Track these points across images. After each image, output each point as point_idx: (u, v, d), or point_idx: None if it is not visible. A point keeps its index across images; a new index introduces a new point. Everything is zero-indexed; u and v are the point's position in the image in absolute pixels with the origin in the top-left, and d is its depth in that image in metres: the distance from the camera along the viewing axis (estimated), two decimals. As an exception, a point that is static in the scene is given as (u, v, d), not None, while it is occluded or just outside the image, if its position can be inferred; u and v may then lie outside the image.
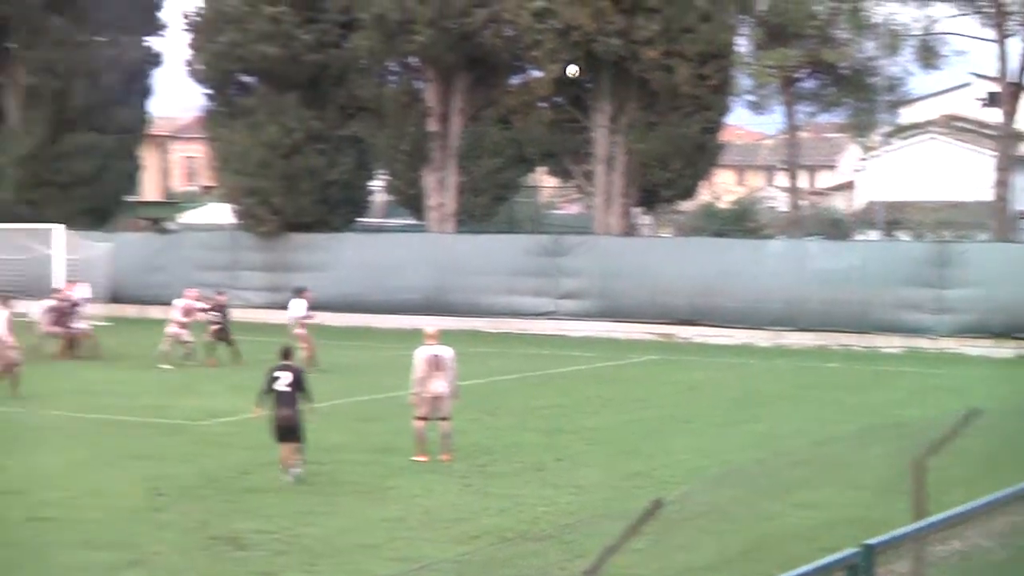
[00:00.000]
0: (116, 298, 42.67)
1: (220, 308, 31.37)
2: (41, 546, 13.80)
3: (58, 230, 41.35)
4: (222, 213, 50.88)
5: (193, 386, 26.84)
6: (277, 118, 42.18)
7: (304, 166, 42.08)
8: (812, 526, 14.22)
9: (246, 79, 43.87)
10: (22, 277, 41.16)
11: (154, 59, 48.39)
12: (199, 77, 43.56)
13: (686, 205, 53.07)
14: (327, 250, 42.65)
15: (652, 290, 38.71)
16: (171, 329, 30.80)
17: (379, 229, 50.62)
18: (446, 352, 18.88)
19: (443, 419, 18.82)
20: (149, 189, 67.19)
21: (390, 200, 48.90)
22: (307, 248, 42.80)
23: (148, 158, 56.12)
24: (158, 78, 63.16)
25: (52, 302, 31.84)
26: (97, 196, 46.29)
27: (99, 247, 41.88)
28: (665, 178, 40.45)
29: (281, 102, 42.45)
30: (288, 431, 17.17)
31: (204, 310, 31.15)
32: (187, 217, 60.32)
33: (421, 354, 18.78)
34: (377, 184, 47.60)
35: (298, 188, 42.19)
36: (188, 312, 30.96)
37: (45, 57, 44.76)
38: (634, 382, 28.69)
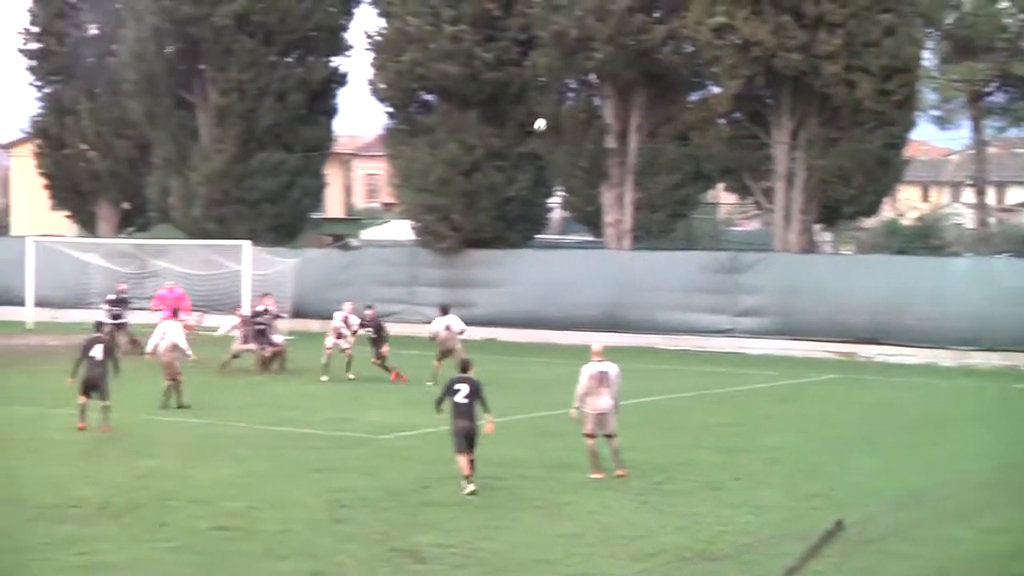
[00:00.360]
0: (300, 313, 43.57)
1: (370, 323, 31.65)
2: (226, 555, 14.12)
3: (246, 246, 42.43)
4: (402, 230, 51.64)
5: (373, 400, 27.22)
6: (457, 136, 42.63)
7: (483, 183, 42.43)
8: (1000, 552, 13.72)
9: (427, 97, 44.46)
10: (212, 292, 42.35)
11: (339, 79, 49.34)
12: (381, 96, 44.29)
13: (868, 222, 51.96)
14: (505, 266, 42.90)
15: (832, 308, 37.98)
16: (329, 341, 31.29)
17: (556, 245, 50.74)
18: (612, 368, 18.84)
19: (609, 436, 18.74)
20: (332, 206, 68.58)
21: (567, 217, 48.96)
22: (485, 264, 43.12)
23: (332, 176, 57.23)
24: (342, 97, 64.38)
25: (242, 318, 32.36)
26: (283, 213, 47.37)
27: (285, 263, 42.85)
28: (847, 194, 39.67)
29: (461, 120, 42.90)
30: (468, 441, 17.43)
31: (362, 324, 31.48)
32: (368, 233, 61.40)
33: (587, 370, 18.76)
34: (554, 201, 47.71)
35: (477, 205, 42.54)
36: (347, 324, 31.39)
37: (235, 78, 46.03)
38: (813, 401, 28.16)
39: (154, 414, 24.37)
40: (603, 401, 18.63)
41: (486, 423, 17.74)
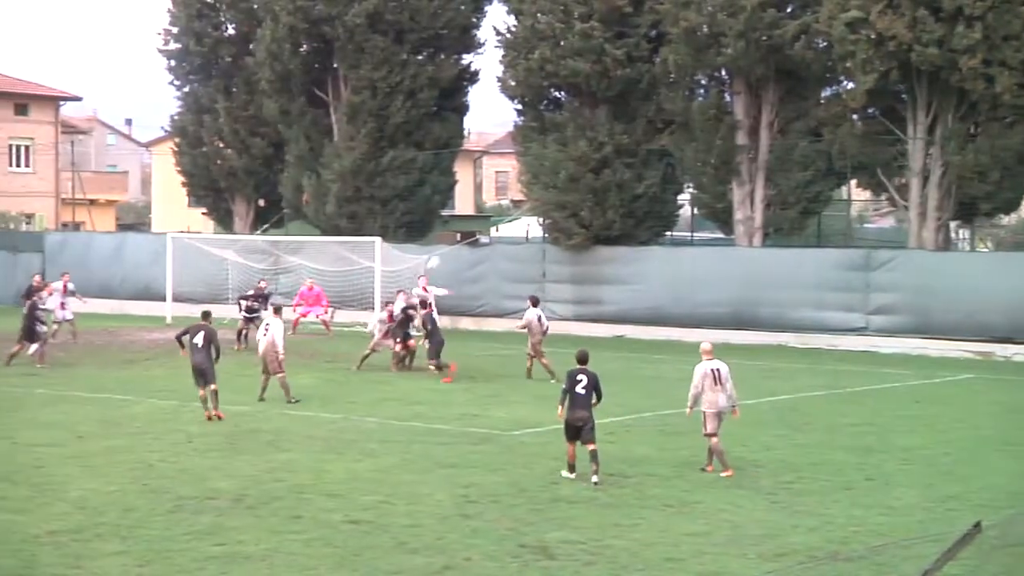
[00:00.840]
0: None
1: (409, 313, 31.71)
2: (358, 548, 14.30)
3: (377, 243, 42.87)
4: (531, 226, 51.75)
5: (501, 396, 27.33)
6: (586, 132, 42.58)
7: (612, 180, 42.31)
8: None
9: (557, 94, 44.48)
10: (344, 288, 42.92)
11: (469, 76, 49.60)
12: (511, 93, 44.42)
13: (1006, 219, 50.69)
14: (634, 263, 42.76)
15: (969, 306, 37.16)
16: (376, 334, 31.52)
17: (685, 243, 50.41)
18: (723, 367, 18.86)
19: (714, 435, 18.77)
20: (462, 203, 69.05)
21: (697, 214, 48.60)
22: (614, 261, 43.02)
23: (461, 173, 57.57)
24: (472, 95, 64.79)
25: (390, 313, 32.21)
26: (413, 210, 47.76)
27: (414, 260, 43.18)
28: (984, 191, 38.74)
29: (591, 117, 42.85)
30: (579, 431, 17.91)
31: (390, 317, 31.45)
32: (498, 230, 61.61)
33: (700, 369, 18.75)
34: (684, 198, 47.41)
35: (606, 202, 42.44)
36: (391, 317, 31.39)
37: (367, 76, 46.53)
38: (949, 401, 27.58)
39: (286, 408, 24.76)
40: (720, 399, 18.69)
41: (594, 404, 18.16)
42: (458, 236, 56.83)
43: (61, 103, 71.44)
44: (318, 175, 47.96)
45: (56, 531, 14.87)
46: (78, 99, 74.95)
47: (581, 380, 18.03)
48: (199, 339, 23.44)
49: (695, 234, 53.32)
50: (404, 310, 31.58)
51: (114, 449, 20.29)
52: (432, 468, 19.00)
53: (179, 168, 55.05)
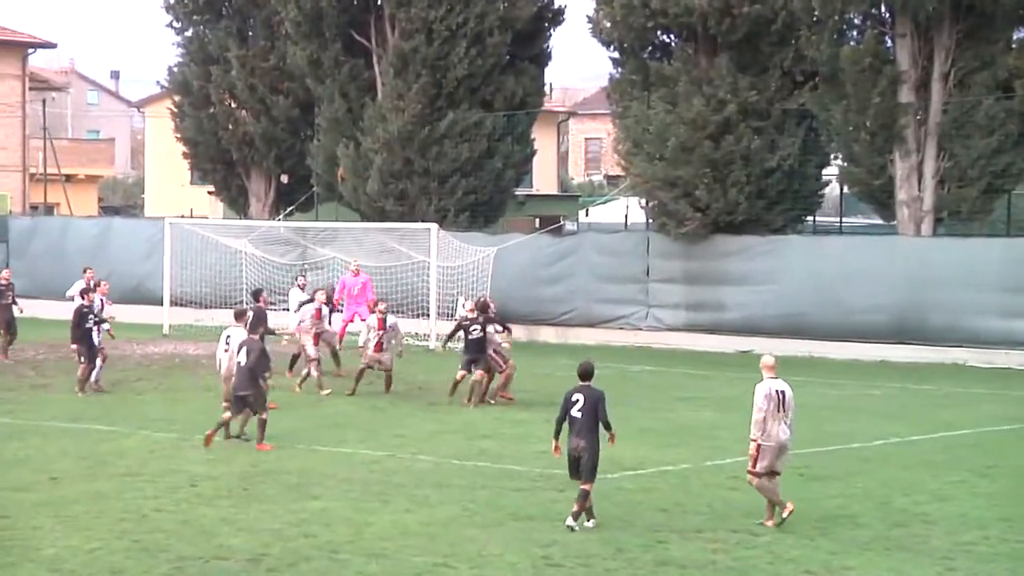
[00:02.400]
0: (500, 316, 43.94)
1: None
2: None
3: (433, 230, 43.01)
4: (632, 210, 51.66)
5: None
6: (703, 88, 42.46)
7: (737, 150, 42.16)
8: None
9: (665, 38, 44.41)
10: (390, 289, 43.14)
11: (552, 17, 49.63)
12: (606, 38, 44.39)
13: None
14: (765, 257, 42.57)
15: None
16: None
17: (832, 231, 50.08)
18: (788, 389, 18.92)
19: (775, 474, 18.81)
20: (542, 179, 69.07)
21: (847, 193, 48.30)
22: (739, 255, 42.86)
23: (541, 141, 57.63)
24: (556, 40, 64.66)
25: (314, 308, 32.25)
26: (479, 188, 47.85)
27: (480, 253, 43.31)
28: None
29: (709, 67, 42.72)
30: (577, 462, 18.48)
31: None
32: (588, 214, 61.60)
33: (763, 390, 18.76)
34: (830, 173, 47.11)
35: (729, 178, 42.30)
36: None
37: (421, 16, 46.71)
38: None
39: (319, 443, 24.90)
40: (783, 430, 18.73)
41: (610, 438, 18.69)
42: (537, 222, 56.90)
43: (30, 51, 72.21)
44: (357, 144, 48.23)
45: (24, 599, 15.03)
46: (51, 46, 75.79)
47: (577, 401, 18.55)
48: (243, 356, 24.21)
49: (845, 219, 52.96)
50: (471, 320, 31.21)
51: (97, 495, 20.49)
52: (503, 521, 19.01)
53: (179, 135, 55.60)
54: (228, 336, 26.28)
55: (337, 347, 34.32)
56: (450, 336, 32.83)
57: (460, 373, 30.50)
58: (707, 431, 26.57)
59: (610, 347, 42.78)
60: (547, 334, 44.86)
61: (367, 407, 29.67)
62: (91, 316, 31.17)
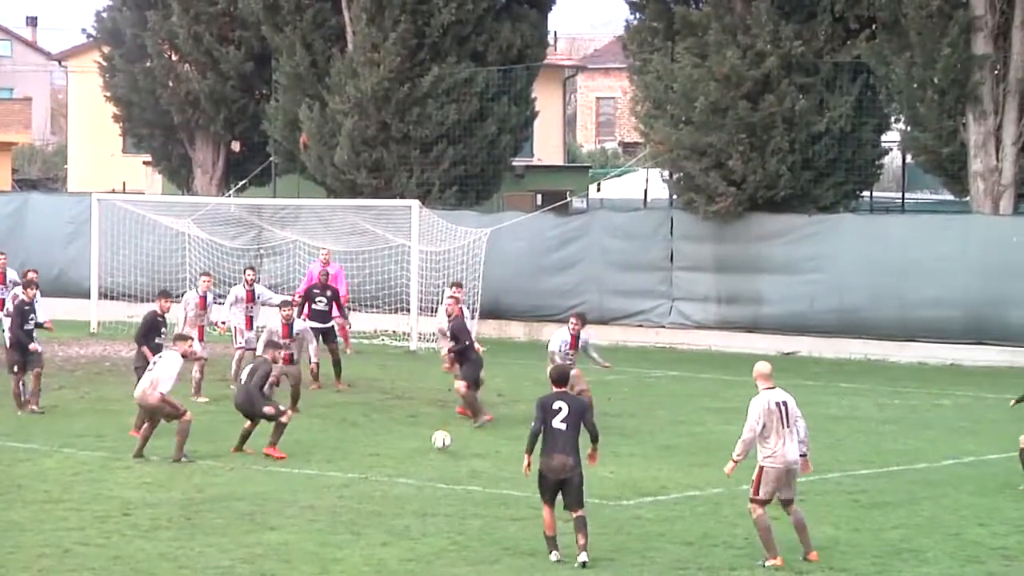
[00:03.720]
0: (494, 311, 44.02)
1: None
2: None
3: (414, 208, 42.96)
4: (652, 184, 51.63)
5: (607, 446, 27.23)
6: (738, 37, 42.44)
7: (779, 111, 42.14)
8: None
9: (691, -22, 44.41)
10: (363, 279, 43.11)
11: (555, -49, 49.63)
12: (621, -23, 44.38)
13: None
14: (812, 240, 42.56)
15: None
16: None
17: (893, 208, 50.10)
18: (791, 400, 18.97)
19: (788, 502, 18.83)
20: (544, 147, 69.00)
21: (911, 163, 48.30)
22: (781, 238, 42.85)
23: (544, 101, 57.59)
24: (560, -20, 64.54)
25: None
26: (469, 158, 47.81)
27: (471, 235, 43.28)
28: None
29: (746, 13, 42.70)
30: (561, 487, 18.65)
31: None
32: (600, 189, 61.55)
33: (760, 404, 18.79)
34: (891, 139, 47.11)
35: (768, 145, 42.29)
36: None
37: (398, -49, 46.69)
38: None
39: (276, 464, 24.90)
40: (790, 449, 18.76)
41: (589, 454, 19.14)
42: (538, 198, 56.83)
43: (-69, -6, 72.21)
44: (323, 104, 48.20)
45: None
46: (-44, -12, 75.75)
47: (560, 410, 18.71)
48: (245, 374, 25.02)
49: (908, 195, 52.99)
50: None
51: (11, 525, 20.47)
52: (498, 557, 19.03)
53: (109, 93, 55.52)
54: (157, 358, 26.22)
55: (340, 352, 34.27)
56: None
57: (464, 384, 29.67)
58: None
59: (627, 348, 42.78)
60: (551, 333, 44.65)
61: (336, 420, 29.63)
62: (32, 315, 30.83)
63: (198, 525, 20.57)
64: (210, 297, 33.08)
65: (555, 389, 19.19)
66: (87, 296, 46.22)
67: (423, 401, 31.68)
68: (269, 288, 37.53)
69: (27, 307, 30.76)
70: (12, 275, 37.86)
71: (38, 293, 31.95)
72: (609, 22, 75.22)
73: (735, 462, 18.84)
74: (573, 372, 27.28)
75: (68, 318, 46.70)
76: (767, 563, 18.43)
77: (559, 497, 18.68)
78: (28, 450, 26.02)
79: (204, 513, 21.30)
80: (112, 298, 46.21)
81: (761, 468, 18.64)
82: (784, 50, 42.14)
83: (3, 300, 32.12)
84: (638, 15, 45.17)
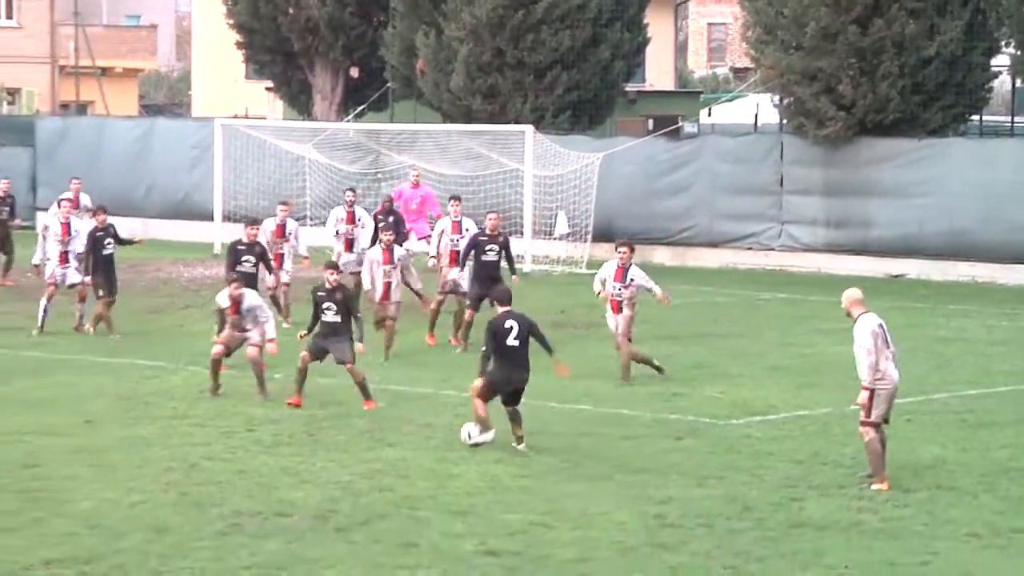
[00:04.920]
0: (606, 234, 43.96)
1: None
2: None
3: (528, 133, 42.94)
4: (762, 108, 51.38)
5: (716, 366, 27.29)
6: (848, -37, 42.06)
7: (888, 35, 41.75)
8: None
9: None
10: (479, 201, 43.17)
11: None
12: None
13: None
14: (921, 165, 42.25)
15: None
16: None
17: (1003, 132, 49.60)
18: (883, 323, 18.80)
19: (886, 422, 18.76)
20: (656, 73, 68.73)
21: (1021, 86, 47.78)
22: (890, 161, 42.55)
23: (656, 26, 57.32)
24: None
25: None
26: (582, 83, 47.68)
27: (584, 160, 43.25)
28: None
29: (855, -61, 42.31)
30: (516, 396, 20.41)
31: None
32: (711, 114, 61.32)
33: (867, 325, 18.64)
34: (1001, 63, 46.57)
35: (878, 69, 41.93)
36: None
37: None
38: None
39: (393, 382, 25.02)
40: (894, 369, 18.67)
41: (556, 367, 20.81)
42: (650, 123, 56.69)
43: (58, -77, 72.63)
44: (439, 31, 48.17)
45: (56, 560, 15.30)
46: (83, -85, 76.21)
47: (511, 329, 20.22)
48: (330, 312, 23.30)
49: (1018, 119, 52.43)
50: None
51: (139, 441, 20.78)
52: (610, 474, 19.11)
53: (231, 20, 55.74)
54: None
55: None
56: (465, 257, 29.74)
57: (469, 312, 28.94)
58: (850, 369, 26.25)
59: (736, 270, 42.70)
60: (662, 255, 44.76)
61: (445, 341, 29.67)
62: (108, 239, 30.42)
63: (319, 441, 20.79)
64: (290, 225, 32.41)
65: (501, 309, 20.60)
66: (211, 219, 46.61)
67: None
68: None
69: (100, 232, 30.32)
70: (85, 200, 38.00)
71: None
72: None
73: (867, 389, 18.56)
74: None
75: (193, 240, 47.28)
76: (873, 486, 18.36)
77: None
78: (155, 367, 26.33)
79: (325, 430, 21.52)
80: (235, 221, 46.39)
81: (871, 391, 18.55)
82: (894, -25, 41.73)
83: (67, 224, 31.43)
84: (751, -59, 44.79)
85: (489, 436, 20.27)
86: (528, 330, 20.39)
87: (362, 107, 53.34)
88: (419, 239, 36.58)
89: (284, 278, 31.27)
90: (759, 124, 52.61)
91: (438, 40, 48.05)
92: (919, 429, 21.75)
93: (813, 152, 43.50)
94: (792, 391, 24.90)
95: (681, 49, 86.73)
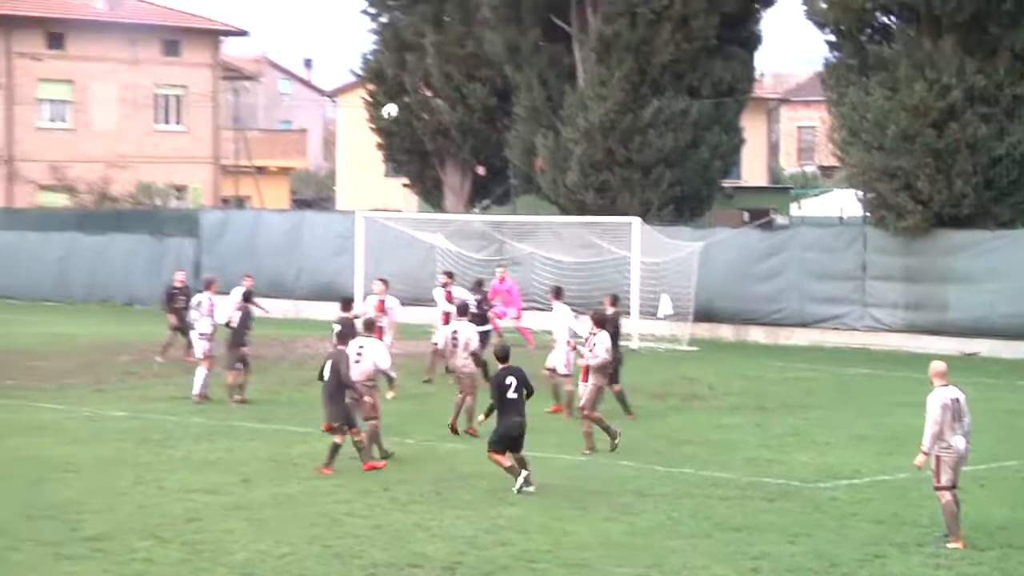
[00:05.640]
0: (706, 315, 43.88)
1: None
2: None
3: (635, 224, 42.99)
4: (847, 203, 51.13)
5: (806, 434, 27.15)
6: (926, 72, 41.85)
7: (962, 138, 41.47)
8: None
9: (885, 19, 43.84)
10: (590, 285, 43.18)
11: (762, -3, 49.36)
12: (820, 19, 43.95)
13: None
14: (993, 253, 41.84)
15: None
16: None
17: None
18: (962, 396, 18.61)
19: (954, 487, 18.44)
20: (751, 170, 68.72)
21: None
22: (965, 251, 42.18)
23: (751, 130, 57.32)
24: (766, 23, 64.31)
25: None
26: (685, 180, 47.67)
27: (686, 248, 43.20)
28: None
29: (933, 51, 42.09)
30: (518, 441, 21.40)
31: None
32: (800, 207, 61.09)
33: (938, 399, 18.45)
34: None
35: (953, 168, 41.64)
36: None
37: (624, -1, 46.75)
38: None
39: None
40: (961, 442, 18.46)
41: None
42: (745, 216, 56.59)
43: (222, 39, 73.86)
44: (556, 133, 48.39)
45: (214, 604, 15.39)
46: (243, 34, 77.45)
47: (511, 384, 21.37)
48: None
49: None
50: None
51: (288, 498, 20.91)
52: (709, 532, 19.03)
53: (373, 125, 56.30)
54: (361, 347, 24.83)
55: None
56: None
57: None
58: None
59: (824, 348, 42.42)
60: (756, 334, 44.59)
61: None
62: (250, 320, 30.88)
63: (447, 499, 20.82)
64: (389, 301, 32.84)
65: (501, 366, 21.84)
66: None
67: (642, 394, 31.64)
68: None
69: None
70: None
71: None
72: (810, 60, 74.65)
73: (925, 454, 18.48)
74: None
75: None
76: (949, 544, 18.17)
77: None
78: (303, 433, 26.46)
79: (452, 489, 21.55)
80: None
81: (938, 458, 18.40)
82: (967, 83, 41.49)
83: (213, 305, 31.95)
84: (836, 53, 44.75)
85: (531, 489, 21.20)
86: (524, 382, 21.59)
87: (487, 201, 53.65)
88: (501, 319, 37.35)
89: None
90: (844, 217, 52.35)
91: (556, 141, 48.29)
92: (992, 493, 21.50)
93: (894, 242, 43.23)
94: (874, 458, 24.69)
95: (773, 149, 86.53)
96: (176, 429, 27.09)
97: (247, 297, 31.81)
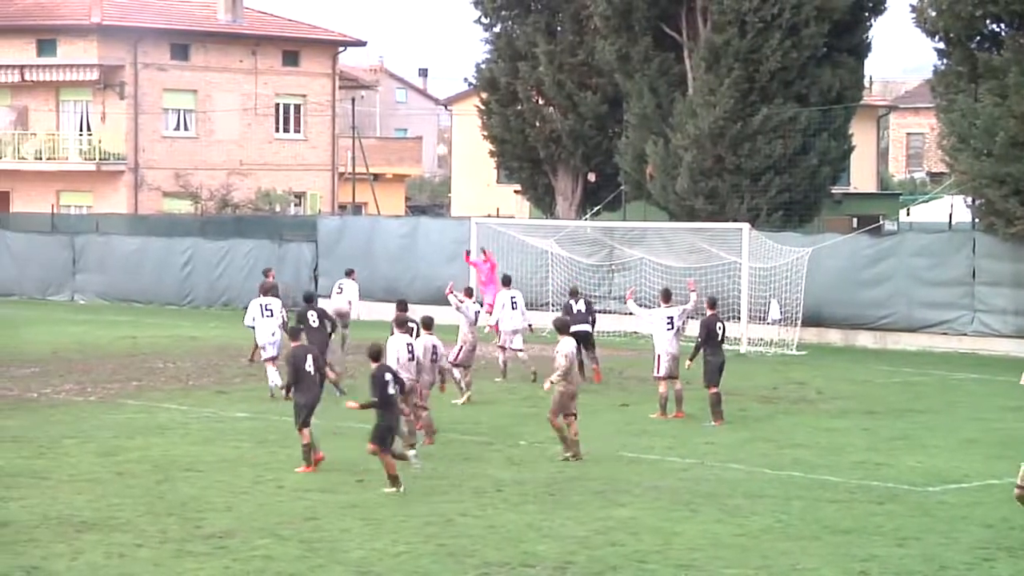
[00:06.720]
0: (814, 320, 43.56)
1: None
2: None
3: (745, 230, 42.80)
4: (956, 209, 50.62)
5: (914, 439, 26.90)
6: (1034, 80, 41.38)
7: (1072, 144, 40.96)
8: None
9: (995, 27, 43.37)
10: (701, 290, 43.01)
11: (873, 6, 48.94)
12: (930, 27, 43.55)
13: None
14: (1102, 259, 41.34)
15: None
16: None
17: None
18: None
19: None
20: (860, 177, 68.21)
21: None
22: (1073, 256, 41.69)
23: (860, 136, 56.89)
24: (876, 31, 63.80)
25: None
26: (794, 186, 47.43)
27: (794, 253, 42.95)
28: None
29: (1040, 58, 41.62)
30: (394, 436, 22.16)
31: None
32: (909, 214, 60.54)
33: None
34: None
35: (1063, 174, 41.13)
36: None
37: (734, 7, 46.51)
38: None
39: (625, 450, 25.02)
40: None
41: None
42: (854, 221, 56.15)
43: (340, 50, 74.46)
44: (666, 141, 48.30)
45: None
46: (361, 44, 78.04)
47: (388, 381, 21.90)
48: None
49: None
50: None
51: (403, 499, 20.99)
52: (818, 534, 18.90)
53: (486, 132, 56.46)
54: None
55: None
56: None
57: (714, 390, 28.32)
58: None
59: (932, 353, 41.99)
60: (865, 339, 44.21)
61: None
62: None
63: (559, 501, 20.83)
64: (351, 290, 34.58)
65: (376, 364, 22.18)
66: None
67: (750, 397, 31.53)
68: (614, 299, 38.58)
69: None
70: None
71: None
72: (919, 67, 73.82)
73: None
74: None
75: (451, 323, 47.61)
76: None
77: None
78: (418, 434, 26.49)
79: (564, 490, 21.55)
80: (482, 304, 46.85)
81: None
82: (1076, 90, 40.97)
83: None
84: (945, 61, 44.31)
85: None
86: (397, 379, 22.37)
87: (598, 207, 53.59)
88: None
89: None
90: (953, 223, 51.78)
91: (666, 148, 48.21)
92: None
93: (1003, 248, 42.75)
94: (983, 462, 24.40)
95: (882, 156, 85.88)
96: (293, 430, 27.24)
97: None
